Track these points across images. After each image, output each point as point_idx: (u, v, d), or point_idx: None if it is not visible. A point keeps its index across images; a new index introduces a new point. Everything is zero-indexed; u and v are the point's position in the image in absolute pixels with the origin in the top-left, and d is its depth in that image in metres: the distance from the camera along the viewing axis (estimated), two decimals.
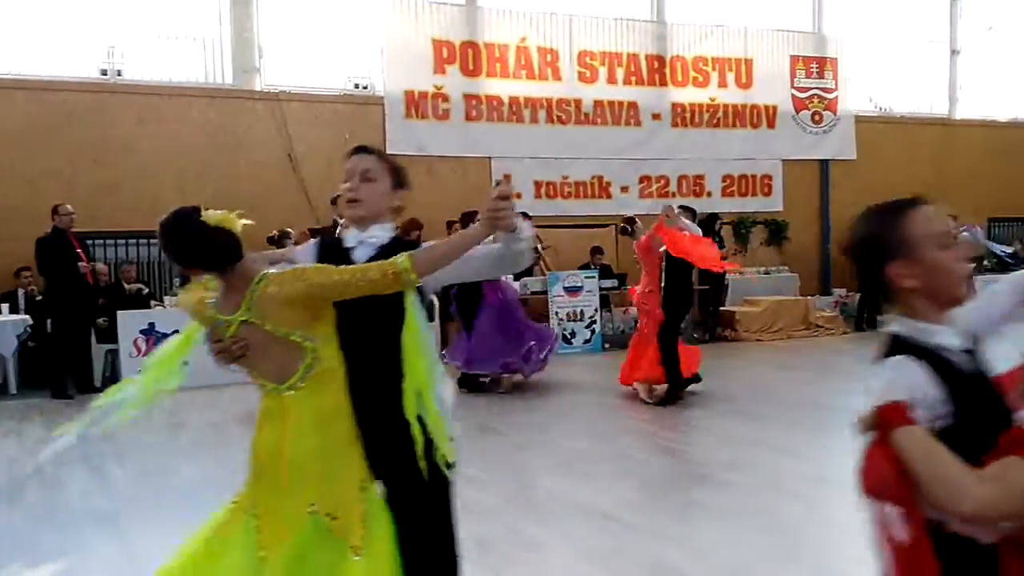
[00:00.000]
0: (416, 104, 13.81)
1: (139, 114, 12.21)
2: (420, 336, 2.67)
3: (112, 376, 10.54)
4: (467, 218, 9.38)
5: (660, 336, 8.41)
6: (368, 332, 2.71)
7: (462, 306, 9.60)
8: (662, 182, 15.49)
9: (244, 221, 2.74)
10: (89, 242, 10.80)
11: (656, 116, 15.38)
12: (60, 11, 11.86)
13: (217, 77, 12.88)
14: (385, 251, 2.76)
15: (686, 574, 4.25)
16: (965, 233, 12.90)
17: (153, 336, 10.20)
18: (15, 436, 7.96)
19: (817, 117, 16.61)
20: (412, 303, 2.68)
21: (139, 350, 10.12)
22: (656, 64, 15.41)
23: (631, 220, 9.27)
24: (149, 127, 12.26)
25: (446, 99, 13.99)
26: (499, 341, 9.36)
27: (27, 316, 10.46)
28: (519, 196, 14.38)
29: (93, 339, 10.42)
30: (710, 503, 5.34)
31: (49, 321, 10.31)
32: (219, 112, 12.68)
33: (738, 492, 5.57)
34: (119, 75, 12.23)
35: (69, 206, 10.19)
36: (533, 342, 9.45)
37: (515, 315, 9.71)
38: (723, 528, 4.91)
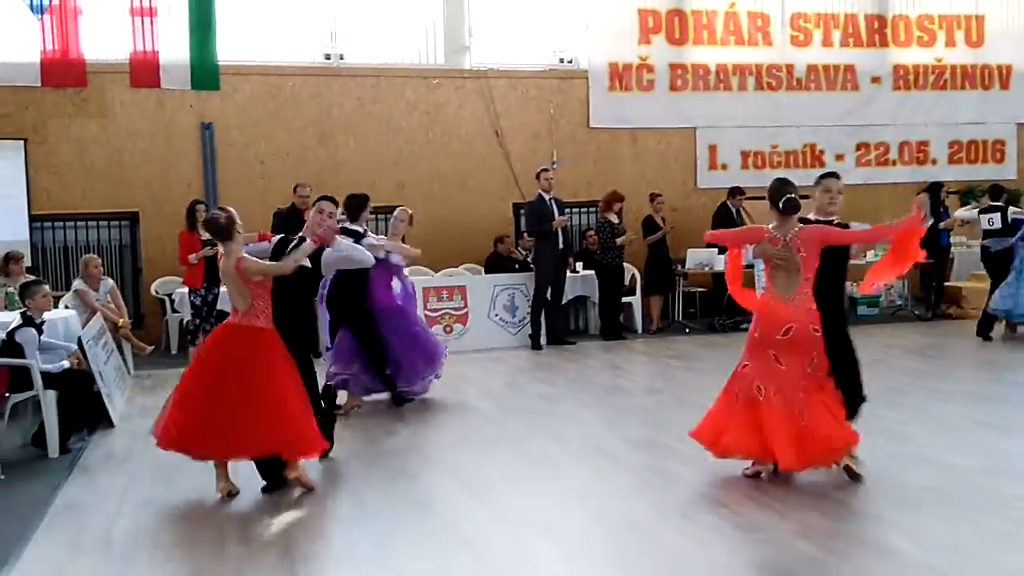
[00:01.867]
0: (620, 76, 13.75)
1: (359, 96, 12.89)
2: None
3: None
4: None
5: (850, 381, 5.42)
6: None
7: (338, 310, 7.57)
8: (881, 149, 14.69)
9: None
10: None
11: (875, 79, 14.58)
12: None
13: (430, 58, 13.36)
14: None
15: (905, 555, 4.10)
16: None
17: None
18: None
19: None
20: None
21: None
22: (876, 24, 14.59)
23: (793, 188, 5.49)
24: (368, 108, 12.91)
25: (651, 70, 13.85)
26: (408, 356, 7.77)
27: None
28: (725, 167, 14.10)
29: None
30: (932, 486, 5.08)
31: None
32: (432, 91, 13.17)
33: (962, 476, 5.27)
34: (341, 59, 12.95)
35: (308, 188, 10.76)
36: (420, 359, 7.88)
37: (411, 320, 8.07)
38: (945, 512, 4.67)
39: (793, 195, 5.25)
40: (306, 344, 5.67)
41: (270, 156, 12.50)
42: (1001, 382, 8.47)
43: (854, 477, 5.17)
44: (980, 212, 11.18)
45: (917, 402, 7.39)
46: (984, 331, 10.48)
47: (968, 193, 14.50)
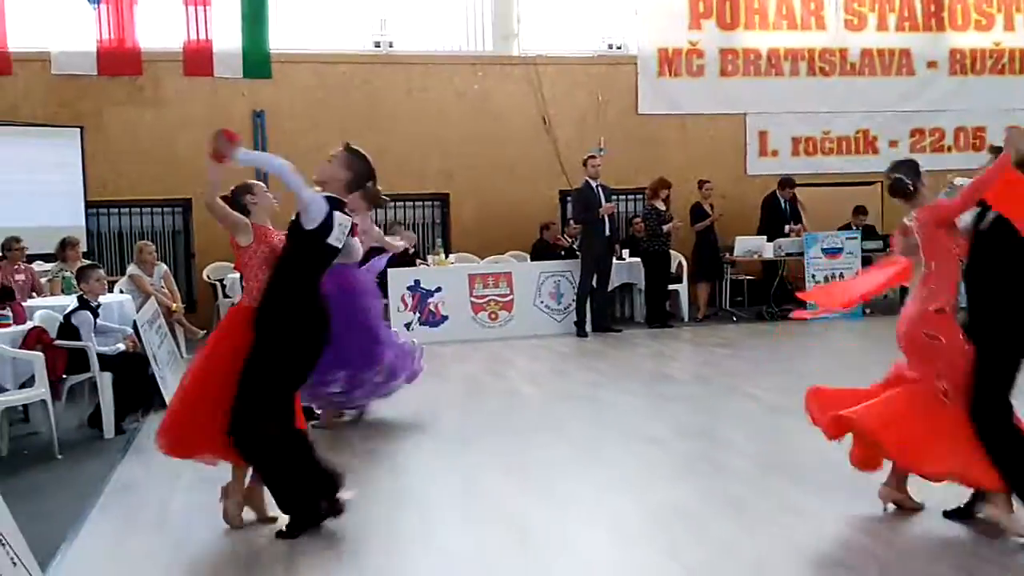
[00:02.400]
0: (670, 61, 13.64)
1: (407, 83, 12.94)
2: None
3: None
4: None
5: (977, 412, 4.10)
6: None
7: None
8: (936, 135, 14.39)
9: None
10: None
11: (931, 64, 14.28)
12: None
13: (478, 45, 13.37)
14: None
15: (970, 548, 4.03)
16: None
17: (418, 293, 10.89)
18: None
19: None
20: None
21: (405, 304, 10.83)
22: (933, 7, 14.28)
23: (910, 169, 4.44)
24: (415, 96, 12.97)
25: (701, 55, 13.71)
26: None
27: None
28: (775, 154, 13.94)
29: None
30: None
31: None
32: (480, 79, 13.18)
33: None
34: (390, 47, 13.01)
35: None
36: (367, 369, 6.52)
37: (356, 319, 6.41)
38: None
39: (900, 176, 4.37)
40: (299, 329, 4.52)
41: (320, 144, 12.56)
42: None
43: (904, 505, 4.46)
44: None
45: None
46: None
47: None
